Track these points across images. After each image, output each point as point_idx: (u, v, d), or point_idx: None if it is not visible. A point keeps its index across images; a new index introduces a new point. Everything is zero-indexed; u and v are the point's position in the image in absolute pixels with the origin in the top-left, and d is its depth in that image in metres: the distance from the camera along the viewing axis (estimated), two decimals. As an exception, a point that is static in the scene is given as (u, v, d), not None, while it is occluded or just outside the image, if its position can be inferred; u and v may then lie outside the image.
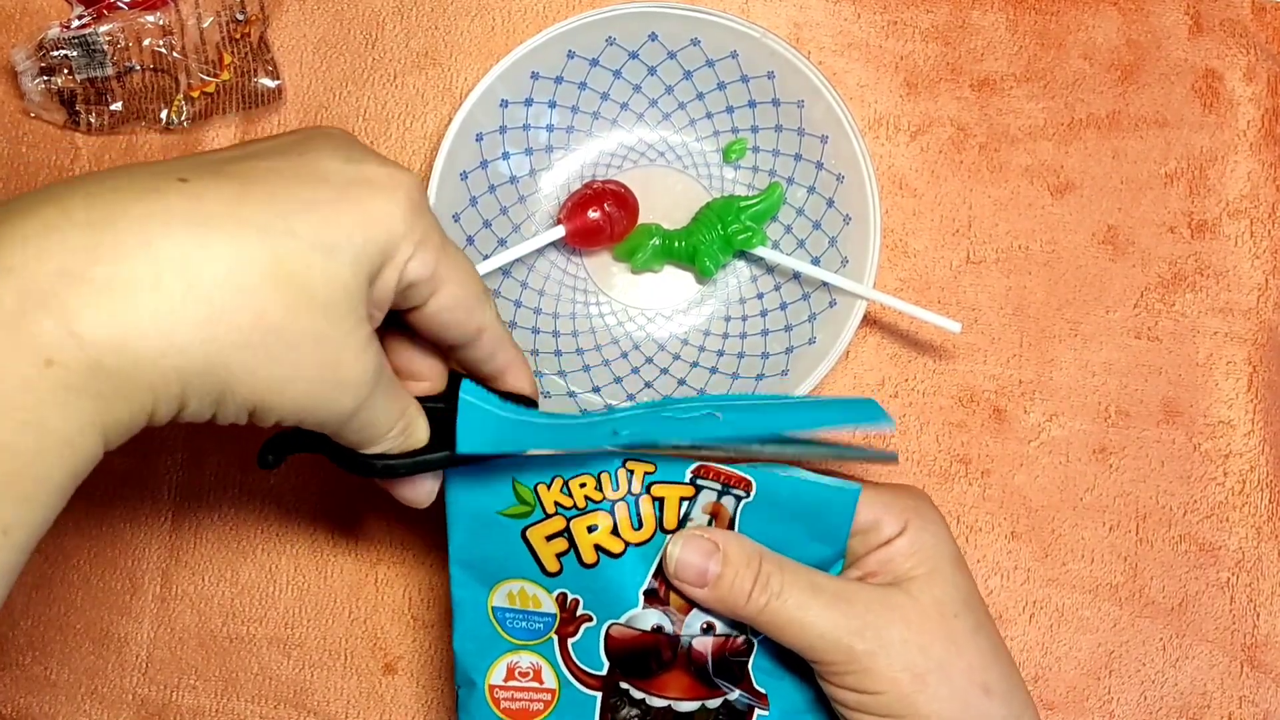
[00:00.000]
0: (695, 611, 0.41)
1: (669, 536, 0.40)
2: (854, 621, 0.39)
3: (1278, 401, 0.53)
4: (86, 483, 0.52)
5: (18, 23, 0.55)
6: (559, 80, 0.52)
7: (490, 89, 0.50)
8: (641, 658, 0.41)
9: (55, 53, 0.53)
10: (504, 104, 0.51)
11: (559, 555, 0.40)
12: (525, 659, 0.41)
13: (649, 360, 0.52)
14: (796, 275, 0.52)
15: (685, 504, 0.40)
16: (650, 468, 0.40)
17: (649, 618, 0.41)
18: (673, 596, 0.41)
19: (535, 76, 0.51)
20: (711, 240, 0.51)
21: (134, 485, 0.52)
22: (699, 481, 0.40)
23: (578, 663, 0.41)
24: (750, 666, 0.42)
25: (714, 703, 0.42)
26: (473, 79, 0.55)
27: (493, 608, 0.41)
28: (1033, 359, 0.53)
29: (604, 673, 0.41)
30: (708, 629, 0.42)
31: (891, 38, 0.55)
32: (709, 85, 0.52)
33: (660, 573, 0.41)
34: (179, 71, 0.54)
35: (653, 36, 0.51)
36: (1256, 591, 0.52)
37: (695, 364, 0.52)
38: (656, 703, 0.41)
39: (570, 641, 0.41)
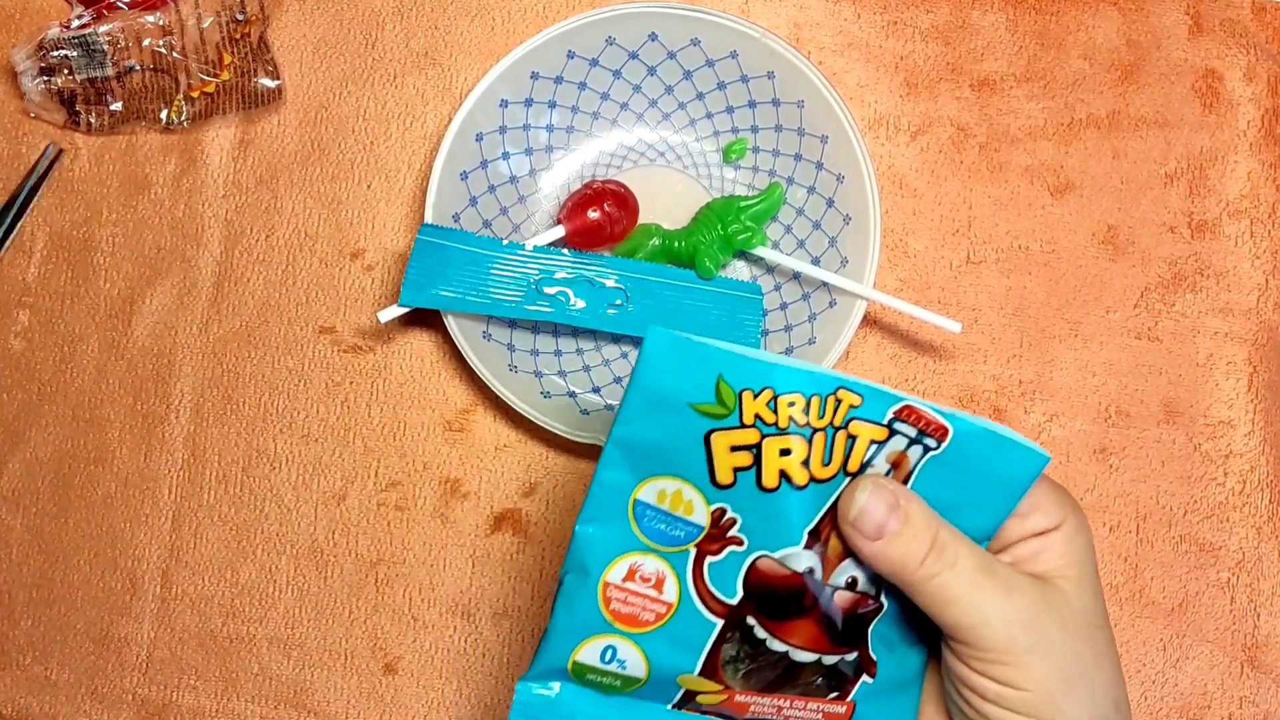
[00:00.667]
0: (848, 561, 0.39)
1: (849, 479, 0.38)
2: (1022, 613, 0.38)
3: (1278, 401, 0.53)
4: (87, 484, 0.52)
5: (18, 23, 0.55)
6: (559, 80, 0.52)
7: (490, 89, 0.50)
8: (783, 598, 0.39)
9: (55, 53, 0.53)
10: (504, 104, 0.51)
11: (737, 469, 0.37)
12: (652, 564, 0.38)
13: None
14: (796, 275, 0.52)
15: (874, 447, 0.38)
16: (857, 399, 0.37)
17: (804, 559, 0.38)
18: (831, 542, 0.39)
19: (535, 76, 0.51)
20: (711, 240, 0.51)
21: (134, 486, 0.52)
22: (896, 424, 0.38)
23: (709, 584, 0.38)
24: (870, 630, 0.40)
25: (830, 659, 0.40)
26: (473, 79, 0.55)
27: (635, 500, 0.38)
28: (1033, 359, 0.53)
29: (735, 602, 0.39)
30: (851, 584, 0.39)
31: (891, 38, 0.55)
32: (709, 85, 0.52)
33: (829, 514, 0.38)
34: (179, 72, 0.54)
35: (653, 36, 0.51)
36: (1256, 591, 0.52)
37: None
38: (776, 646, 0.39)
39: (709, 560, 0.38)
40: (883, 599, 0.40)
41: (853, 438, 0.37)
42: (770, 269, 0.53)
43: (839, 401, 0.37)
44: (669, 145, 0.54)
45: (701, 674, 0.38)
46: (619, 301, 0.51)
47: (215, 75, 0.54)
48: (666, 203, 0.53)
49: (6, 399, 0.53)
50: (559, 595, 0.38)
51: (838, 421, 0.37)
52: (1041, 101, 0.55)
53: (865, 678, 0.40)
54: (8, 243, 0.54)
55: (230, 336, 0.53)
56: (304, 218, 0.54)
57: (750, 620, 0.39)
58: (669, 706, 0.39)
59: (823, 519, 0.38)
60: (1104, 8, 0.55)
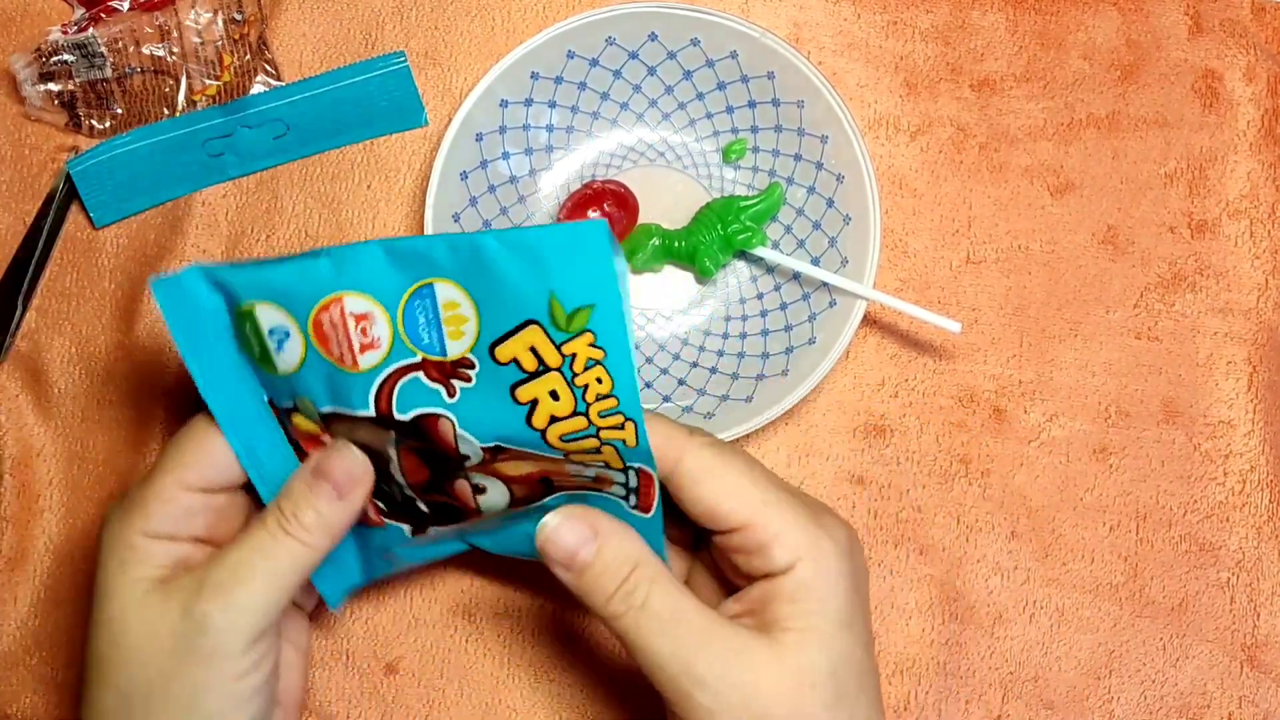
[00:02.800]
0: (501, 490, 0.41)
1: (553, 500, 0.40)
2: (703, 668, 0.36)
3: (1278, 401, 0.53)
4: (94, 484, 0.53)
5: (18, 25, 0.56)
6: (559, 80, 0.52)
7: (490, 89, 0.50)
8: (437, 458, 0.40)
9: (55, 56, 0.53)
10: (504, 104, 0.51)
11: (518, 359, 0.37)
12: (382, 330, 0.37)
13: (649, 360, 0.52)
14: (796, 275, 0.52)
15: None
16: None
17: (476, 455, 0.40)
18: (502, 468, 0.40)
19: (535, 76, 0.51)
20: (711, 240, 0.51)
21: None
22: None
23: (396, 392, 0.38)
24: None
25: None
26: (473, 79, 0.55)
27: (433, 286, 0.37)
28: (1033, 359, 0.53)
29: (401, 420, 0.39)
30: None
31: (891, 38, 0.55)
32: (709, 85, 0.52)
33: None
34: (179, 73, 0.54)
35: (653, 36, 0.51)
36: (1256, 591, 0.52)
37: (695, 364, 0.52)
38: (400, 482, 0.41)
39: (418, 376, 0.38)
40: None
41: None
42: (770, 269, 0.53)
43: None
44: (669, 145, 0.54)
45: (321, 419, 0.40)
46: (282, 132, 0.54)
47: (216, 76, 0.55)
48: (666, 202, 0.53)
49: (13, 400, 0.53)
50: (304, 259, 0.37)
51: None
52: (1041, 101, 0.55)
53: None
54: (31, 302, 0.54)
55: (232, 337, 0.54)
56: (304, 218, 0.54)
57: (393, 451, 0.40)
58: (267, 400, 0.40)
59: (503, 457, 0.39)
60: (1104, 8, 0.55)
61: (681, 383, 0.52)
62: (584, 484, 0.41)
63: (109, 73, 0.54)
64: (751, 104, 0.52)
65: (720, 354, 0.52)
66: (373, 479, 0.40)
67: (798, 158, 0.52)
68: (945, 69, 0.55)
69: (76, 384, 0.53)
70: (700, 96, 0.53)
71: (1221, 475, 0.52)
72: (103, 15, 0.54)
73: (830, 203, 0.51)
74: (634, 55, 0.52)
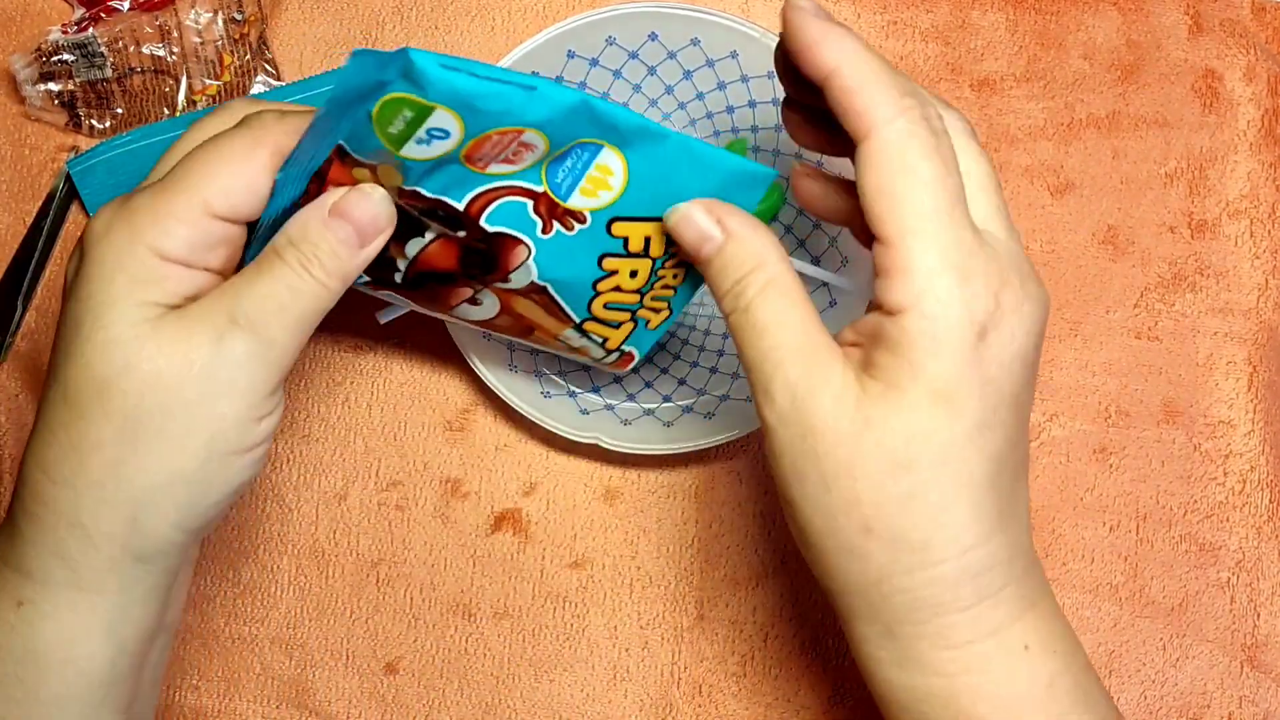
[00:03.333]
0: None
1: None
2: (777, 386, 0.35)
3: (1278, 401, 0.53)
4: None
5: (18, 25, 0.56)
6: (559, 80, 0.52)
7: None
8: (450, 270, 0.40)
9: (55, 56, 0.53)
10: None
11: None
12: (532, 144, 0.37)
13: (649, 360, 0.52)
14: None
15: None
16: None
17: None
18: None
19: (535, 76, 0.51)
20: None
21: (136, 486, 0.52)
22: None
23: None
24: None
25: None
26: (473, 79, 0.55)
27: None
28: (1033, 359, 0.53)
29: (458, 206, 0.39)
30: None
31: (891, 38, 0.55)
32: (709, 85, 0.52)
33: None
34: (179, 73, 0.54)
35: (653, 36, 0.51)
36: (1256, 591, 0.52)
37: (695, 364, 0.52)
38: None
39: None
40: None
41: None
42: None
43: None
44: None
45: (396, 189, 0.37)
46: None
47: (216, 76, 0.55)
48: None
49: (13, 400, 0.53)
50: (514, 90, 0.35)
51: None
52: (1041, 101, 0.55)
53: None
54: (31, 302, 0.54)
55: (232, 337, 0.54)
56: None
57: (430, 233, 0.39)
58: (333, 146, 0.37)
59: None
60: (1104, 8, 0.55)
61: (682, 382, 0.52)
62: (560, 349, 0.45)
63: (109, 73, 0.54)
64: (752, 104, 0.52)
65: (720, 354, 0.52)
66: (393, 229, 0.37)
67: (799, 157, 0.52)
68: (945, 69, 0.55)
69: (76, 384, 0.53)
70: (700, 96, 0.53)
71: (1221, 475, 0.52)
72: (103, 15, 0.54)
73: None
74: (634, 55, 0.52)
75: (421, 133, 0.35)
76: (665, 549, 0.52)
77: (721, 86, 0.52)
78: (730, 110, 0.53)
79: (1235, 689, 0.51)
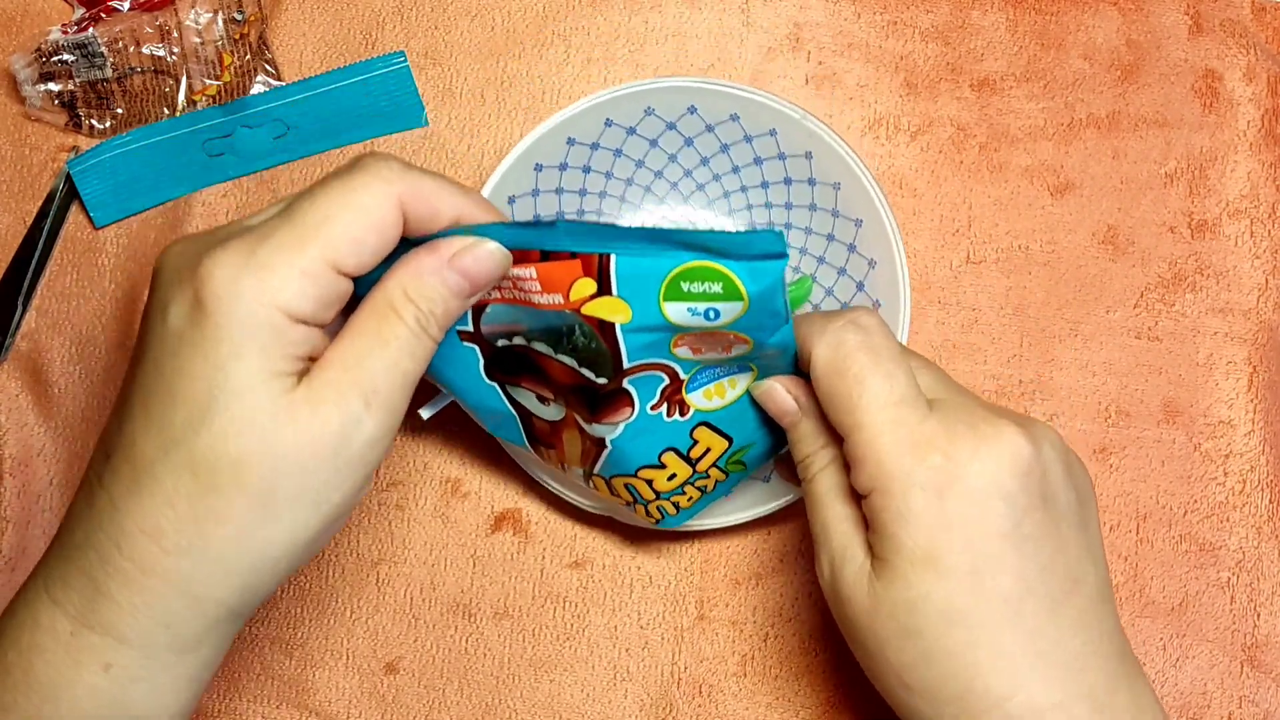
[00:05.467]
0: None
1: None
2: (821, 555, 0.39)
3: (1278, 401, 0.53)
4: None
5: (19, 25, 0.56)
6: (595, 146, 0.51)
7: (526, 153, 0.49)
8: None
9: (55, 56, 0.53)
10: (538, 168, 0.50)
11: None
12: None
13: None
14: None
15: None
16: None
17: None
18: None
19: (571, 142, 0.50)
20: None
21: (136, 486, 0.52)
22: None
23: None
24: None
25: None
26: (472, 79, 0.55)
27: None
28: (1033, 359, 0.53)
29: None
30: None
31: (891, 38, 0.55)
32: (745, 160, 0.51)
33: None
34: (179, 73, 0.55)
35: (692, 109, 0.50)
36: (1256, 591, 0.52)
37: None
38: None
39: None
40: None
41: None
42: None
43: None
44: (702, 217, 0.53)
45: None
46: (282, 132, 0.54)
47: (216, 76, 0.55)
48: None
49: (13, 400, 0.53)
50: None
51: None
52: (1041, 101, 0.55)
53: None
54: (31, 303, 0.54)
55: (232, 337, 0.54)
56: (305, 218, 0.54)
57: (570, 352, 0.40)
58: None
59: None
60: (1104, 8, 0.55)
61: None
62: (564, 470, 0.46)
63: (109, 73, 0.54)
64: (787, 180, 0.51)
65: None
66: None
67: (830, 238, 0.51)
68: (945, 69, 0.55)
69: (76, 384, 0.53)
70: (736, 170, 0.52)
71: (1221, 475, 0.52)
72: (103, 15, 0.54)
73: (860, 286, 0.50)
74: (671, 126, 0.51)
75: (702, 306, 0.37)
76: (665, 549, 0.52)
77: (758, 162, 0.52)
78: (765, 185, 0.52)
79: (1235, 689, 0.51)
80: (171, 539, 0.33)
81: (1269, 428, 0.53)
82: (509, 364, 0.42)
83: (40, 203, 0.54)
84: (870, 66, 0.55)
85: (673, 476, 0.44)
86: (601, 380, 0.40)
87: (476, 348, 0.41)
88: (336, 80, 0.54)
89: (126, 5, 0.54)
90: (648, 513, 0.46)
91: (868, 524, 0.38)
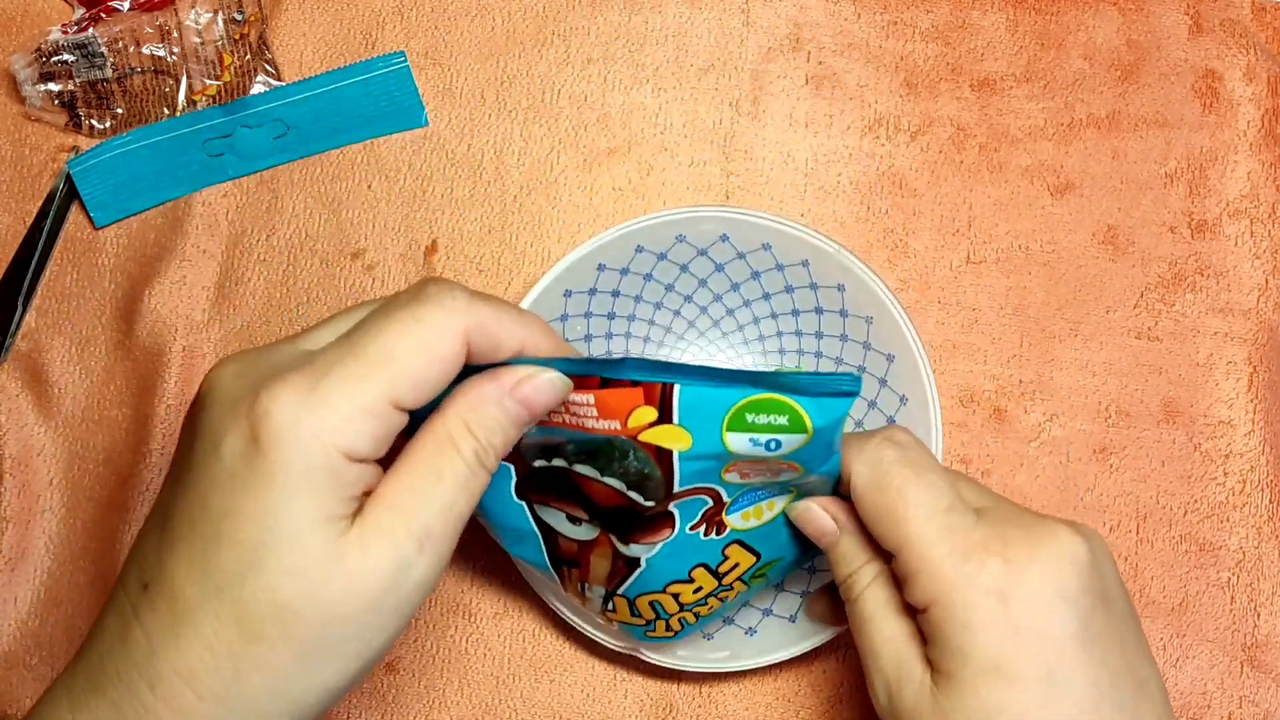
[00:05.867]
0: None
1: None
2: (874, 676, 0.39)
3: (1278, 401, 0.53)
4: (93, 484, 0.53)
5: (19, 25, 0.56)
6: (624, 272, 0.50)
7: (557, 280, 0.49)
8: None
9: (55, 56, 0.53)
10: (568, 294, 0.50)
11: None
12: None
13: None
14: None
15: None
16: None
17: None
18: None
19: (601, 268, 0.50)
20: None
21: (137, 487, 0.52)
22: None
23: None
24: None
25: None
26: (472, 79, 0.55)
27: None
28: (1033, 359, 0.53)
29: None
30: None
31: (891, 38, 0.55)
32: (776, 288, 0.51)
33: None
34: (179, 73, 0.55)
35: (724, 238, 0.50)
36: (1256, 591, 0.52)
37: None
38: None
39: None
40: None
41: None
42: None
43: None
44: (729, 342, 0.53)
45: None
46: (282, 132, 0.54)
47: (216, 76, 0.55)
48: None
49: (13, 400, 0.53)
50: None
51: None
52: (1041, 101, 0.55)
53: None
54: (32, 303, 0.54)
55: (232, 337, 0.54)
56: (304, 218, 0.54)
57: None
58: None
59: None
60: (1104, 8, 0.55)
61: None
62: (585, 590, 0.45)
63: (109, 73, 0.54)
64: (819, 310, 0.51)
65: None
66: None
67: (862, 370, 0.50)
68: (945, 69, 0.55)
69: (76, 384, 0.53)
70: (766, 297, 0.51)
71: (1221, 475, 0.52)
72: (103, 15, 0.54)
73: (890, 420, 0.50)
74: (703, 252, 0.50)
75: (764, 438, 0.37)
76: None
77: (789, 290, 0.51)
78: (795, 314, 0.51)
79: (1235, 689, 0.51)
80: (207, 684, 0.32)
81: (1269, 428, 0.53)
82: (543, 483, 0.40)
83: (40, 203, 0.54)
84: (870, 66, 0.55)
85: (699, 589, 0.43)
86: (648, 504, 0.39)
87: (511, 466, 0.40)
88: (336, 80, 0.54)
89: (126, 5, 0.54)
90: (668, 627, 0.45)
91: (925, 638, 0.37)
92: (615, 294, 0.51)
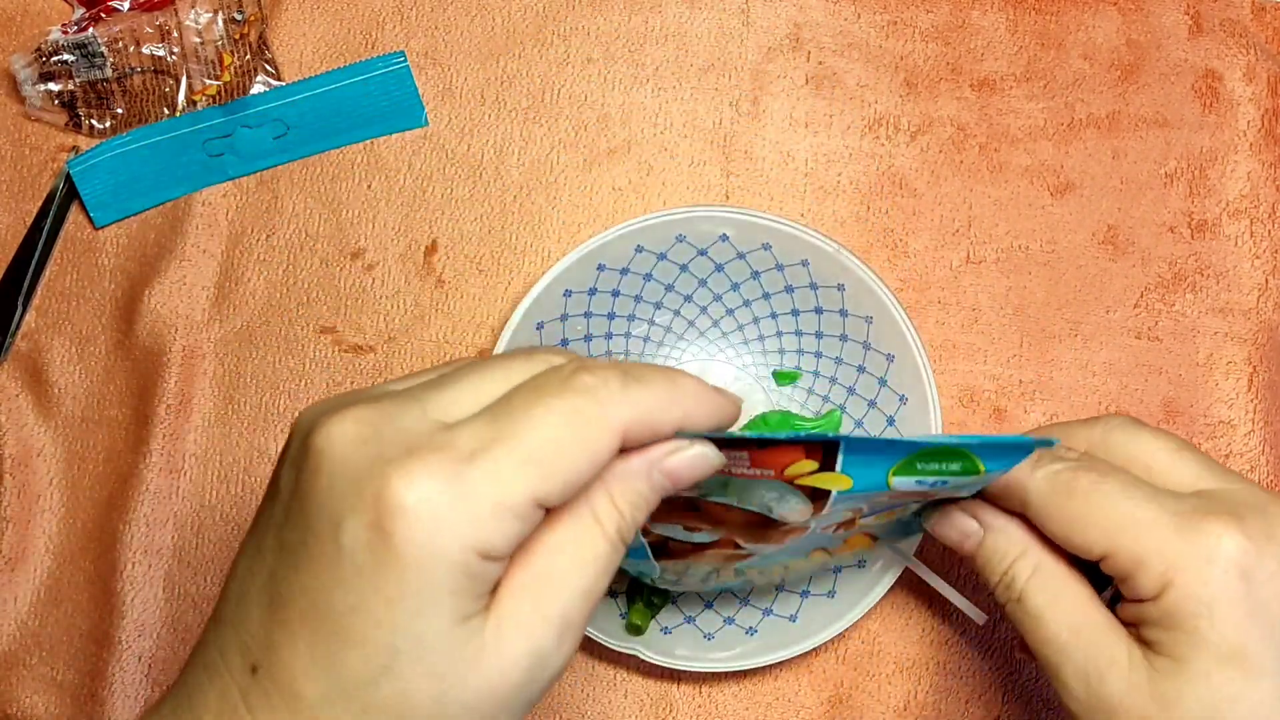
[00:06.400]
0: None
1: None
2: (1068, 673, 0.36)
3: (1278, 401, 0.53)
4: (93, 485, 0.53)
5: (18, 25, 0.56)
6: (624, 271, 0.50)
7: (556, 280, 0.49)
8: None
9: (55, 56, 0.53)
10: (568, 294, 0.50)
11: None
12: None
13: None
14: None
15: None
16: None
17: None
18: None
19: (601, 268, 0.50)
20: None
21: (137, 486, 0.52)
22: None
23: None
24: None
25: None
26: (472, 79, 0.55)
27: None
28: (1033, 359, 0.53)
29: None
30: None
31: (891, 38, 0.55)
32: (776, 288, 0.51)
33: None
34: (179, 73, 0.55)
35: (723, 238, 0.50)
36: (1256, 591, 0.52)
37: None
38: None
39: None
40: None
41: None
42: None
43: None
44: (730, 344, 0.53)
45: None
46: (282, 132, 0.54)
47: (216, 76, 0.55)
48: None
49: (13, 400, 0.53)
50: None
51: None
52: (1041, 101, 0.55)
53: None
54: (32, 302, 0.54)
55: (231, 337, 0.54)
56: (304, 218, 0.54)
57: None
58: None
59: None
60: (1104, 8, 0.55)
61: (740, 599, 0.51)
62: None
63: (109, 73, 0.54)
64: (819, 310, 0.51)
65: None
66: None
67: (860, 369, 0.51)
68: (945, 69, 0.55)
69: (76, 384, 0.53)
70: (766, 296, 0.51)
71: (1221, 475, 0.52)
72: (103, 15, 0.54)
73: (890, 421, 0.50)
74: (703, 252, 0.50)
75: (932, 479, 0.35)
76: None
77: (789, 290, 0.51)
78: (795, 313, 0.51)
79: (1235, 689, 0.51)
80: None
81: (1269, 428, 0.53)
82: (664, 505, 0.37)
83: (40, 203, 0.54)
84: (870, 66, 0.55)
85: (807, 564, 0.44)
86: (789, 523, 0.38)
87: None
88: (336, 80, 0.54)
89: (126, 5, 0.54)
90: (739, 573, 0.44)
91: (1139, 624, 0.35)
92: (615, 294, 0.51)
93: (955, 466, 0.34)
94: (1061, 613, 0.36)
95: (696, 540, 0.40)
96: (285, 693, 0.29)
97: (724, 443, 0.33)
